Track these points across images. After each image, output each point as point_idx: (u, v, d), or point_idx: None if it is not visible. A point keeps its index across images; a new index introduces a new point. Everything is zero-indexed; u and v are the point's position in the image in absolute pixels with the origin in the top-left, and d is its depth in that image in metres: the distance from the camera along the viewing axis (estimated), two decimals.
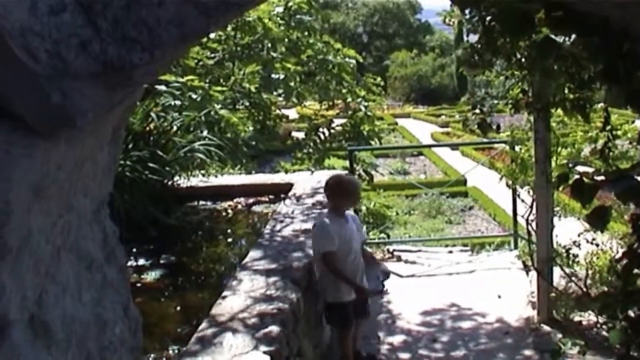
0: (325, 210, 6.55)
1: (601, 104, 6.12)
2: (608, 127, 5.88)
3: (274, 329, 4.60)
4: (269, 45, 13.41)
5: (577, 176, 2.97)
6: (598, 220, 2.93)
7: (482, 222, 17.67)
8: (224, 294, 5.22)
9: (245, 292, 5.23)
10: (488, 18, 5.21)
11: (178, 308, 5.74)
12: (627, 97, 2.98)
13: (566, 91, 5.77)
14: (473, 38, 5.61)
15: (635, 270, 3.11)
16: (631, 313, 3.20)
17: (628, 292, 3.16)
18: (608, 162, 6.13)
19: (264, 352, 4.31)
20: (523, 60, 5.69)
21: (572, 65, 4.98)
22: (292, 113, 18.59)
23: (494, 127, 6.30)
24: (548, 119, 6.65)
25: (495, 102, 6.42)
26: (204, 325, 4.69)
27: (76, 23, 2.23)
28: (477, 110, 6.20)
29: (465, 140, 25.14)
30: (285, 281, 5.43)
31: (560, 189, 7.61)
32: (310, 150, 13.39)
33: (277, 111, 14.44)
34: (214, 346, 4.37)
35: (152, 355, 4.88)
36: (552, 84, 5.81)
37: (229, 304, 5.02)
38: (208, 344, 4.40)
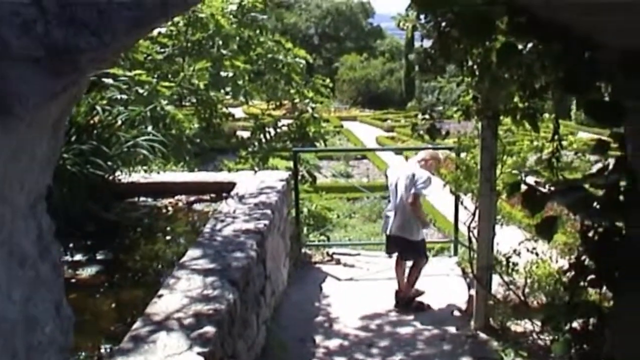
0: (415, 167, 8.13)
1: (550, 114, 6.21)
2: (556, 137, 5.96)
3: (209, 329, 4.57)
4: (220, 42, 13.34)
5: (526, 185, 3.02)
6: (546, 230, 2.95)
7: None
8: (160, 292, 5.17)
9: (182, 292, 5.19)
10: (443, 23, 5.25)
11: (113, 305, 5.66)
12: (586, 107, 2.89)
13: (516, 100, 5.83)
14: (426, 43, 5.66)
15: (582, 283, 3.16)
16: (576, 325, 3.24)
17: (574, 305, 3.20)
18: (554, 172, 6.22)
19: (198, 353, 4.28)
20: (475, 67, 5.74)
21: (524, 74, 5.03)
22: (239, 112, 18.55)
23: (443, 133, 6.35)
24: (496, 127, 6.73)
25: (445, 108, 6.45)
26: (138, 323, 4.64)
27: (19, 1, 2.11)
28: (427, 116, 6.23)
29: (410, 145, 25.30)
30: (223, 281, 5.40)
31: (504, 197, 7.77)
32: (255, 149, 13.37)
33: (224, 109, 14.35)
34: (147, 345, 4.33)
35: (84, 354, 4.81)
36: (502, 92, 5.86)
37: (164, 303, 4.98)
38: (142, 343, 4.35)
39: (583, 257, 3.09)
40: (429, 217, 8.57)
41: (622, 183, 2.82)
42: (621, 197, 2.81)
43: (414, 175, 7.96)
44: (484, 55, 5.31)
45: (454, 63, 5.70)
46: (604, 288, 3.04)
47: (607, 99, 3.00)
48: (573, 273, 3.16)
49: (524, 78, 5.15)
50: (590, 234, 2.97)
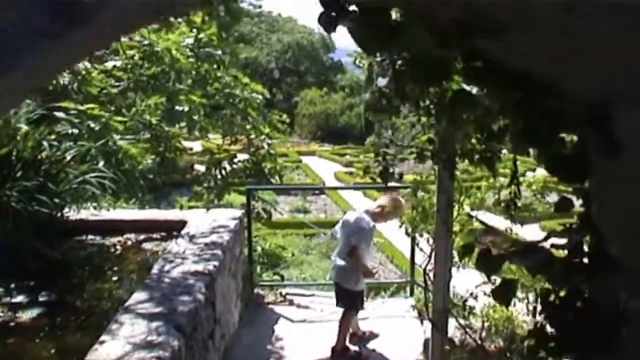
0: (364, 214, 7.94)
1: (508, 155, 6.12)
2: (515, 181, 5.89)
3: None
4: (175, 76, 13.21)
5: (479, 243, 2.88)
6: (504, 295, 2.80)
7: (379, 265, 17.68)
8: (102, 338, 4.97)
9: (125, 337, 5.00)
10: (399, 62, 5.16)
11: (53, 351, 5.43)
12: (547, 161, 2.75)
13: (473, 141, 5.74)
14: (382, 81, 5.57)
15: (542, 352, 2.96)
16: None
17: None
18: (512, 217, 6.14)
19: None
20: (431, 106, 5.66)
21: (482, 116, 4.94)
22: (198, 145, 18.38)
23: (397, 176, 6.24)
24: (452, 169, 6.61)
25: (400, 149, 6.34)
26: None
27: None
28: (380, 158, 6.13)
29: (368, 181, 25.18)
30: (169, 327, 5.21)
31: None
32: (211, 184, 13.21)
33: (179, 143, 14.19)
34: None
35: None
36: (459, 133, 5.76)
37: (105, 350, 4.78)
38: None
39: (543, 323, 2.90)
40: (374, 269, 8.38)
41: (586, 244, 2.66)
42: (585, 260, 2.65)
43: (356, 224, 7.83)
44: (440, 96, 5.23)
45: (410, 103, 5.61)
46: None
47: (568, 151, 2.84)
48: (532, 341, 2.96)
49: (481, 120, 5.07)
50: (551, 298, 2.76)
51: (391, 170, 5.96)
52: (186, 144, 17.60)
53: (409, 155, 6.35)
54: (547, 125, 2.76)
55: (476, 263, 2.75)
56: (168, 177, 15.22)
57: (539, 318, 2.88)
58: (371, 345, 8.13)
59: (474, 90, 3.90)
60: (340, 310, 8.06)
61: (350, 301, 7.97)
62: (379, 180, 6.00)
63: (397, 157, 6.18)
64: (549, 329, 2.80)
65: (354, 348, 8.08)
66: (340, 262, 7.83)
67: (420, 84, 4.75)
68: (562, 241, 2.72)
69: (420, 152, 6.13)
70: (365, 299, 8.37)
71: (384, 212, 7.98)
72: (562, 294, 2.73)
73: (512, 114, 3.14)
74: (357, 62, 6.85)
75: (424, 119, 6.07)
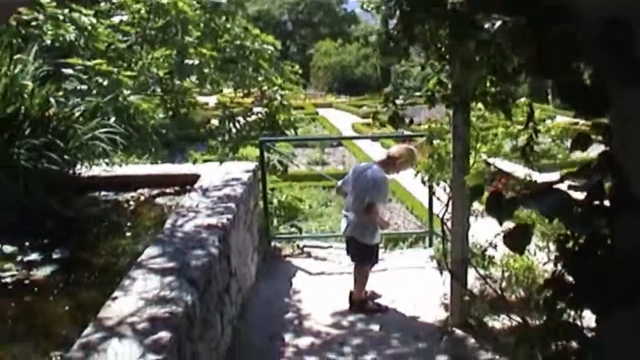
0: (376, 166, 7.75)
1: (524, 99, 5.94)
2: (531, 124, 5.71)
3: (164, 335, 4.29)
4: (183, 29, 13.06)
5: (491, 186, 2.68)
6: (517, 242, 2.52)
7: (399, 216, 17.58)
8: (115, 294, 4.88)
9: (138, 293, 4.89)
10: (405, 2, 4.97)
11: (67, 308, 5.36)
12: (562, 93, 2.43)
13: (487, 84, 5.55)
14: (389, 23, 5.40)
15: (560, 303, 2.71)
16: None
17: (551, 327, 2.78)
18: (529, 161, 5.96)
19: None
20: (442, 49, 5.47)
21: (495, 56, 4.76)
22: (214, 100, 18.21)
23: (407, 120, 6.06)
24: (467, 114, 6.40)
25: (409, 93, 6.14)
26: (89, 329, 4.34)
27: None
28: (389, 103, 5.95)
29: (385, 132, 24.98)
30: (181, 281, 5.11)
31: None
32: (226, 138, 13.12)
33: (193, 98, 14.05)
34: (97, 354, 4.03)
35: None
36: (473, 76, 5.57)
37: (118, 307, 4.69)
38: (92, 351, 4.06)
39: (561, 272, 2.62)
40: (388, 219, 8.17)
41: (608, 184, 2.39)
42: (606, 202, 2.38)
43: (370, 179, 7.58)
44: (450, 37, 5.05)
45: (418, 45, 5.43)
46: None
47: (587, 82, 2.56)
48: (550, 291, 2.72)
49: (495, 60, 4.89)
50: (569, 245, 2.49)
51: (401, 116, 5.78)
52: (202, 99, 17.49)
53: (419, 100, 6.15)
54: (559, 52, 2.46)
55: (486, 207, 2.51)
56: (183, 132, 15.09)
57: (557, 267, 2.66)
58: (390, 297, 8.00)
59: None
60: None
61: (366, 255, 7.84)
62: (389, 127, 5.84)
63: (406, 101, 5.99)
64: (567, 278, 2.55)
65: (374, 301, 7.97)
66: (356, 217, 7.64)
67: (430, 22, 4.57)
68: (581, 182, 2.46)
69: (431, 95, 5.93)
70: (381, 251, 8.25)
71: (397, 163, 7.75)
72: (581, 240, 2.47)
73: (522, 43, 2.81)
74: (364, 5, 6.66)
75: (435, 63, 5.90)
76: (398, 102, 5.92)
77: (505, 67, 4.79)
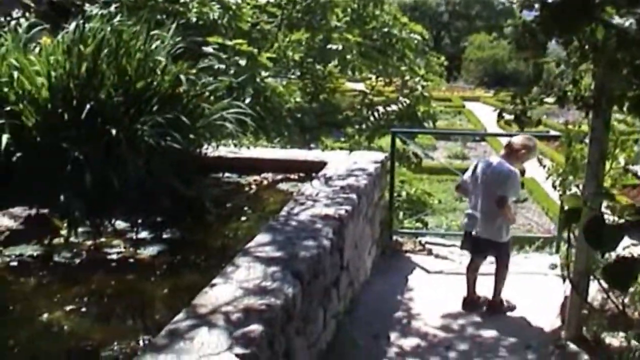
0: (501, 159, 7.51)
1: None
2: None
3: (256, 328, 4.10)
4: (329, 13, 12.92)
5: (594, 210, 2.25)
6: (621, 277, 2.11)
7: (533, 215, 16.98)
8: (214, 281, 4.74)
9: (238, 282, 4.74)
10: None
11: (166, 290, 5.28)
12: None
13: (627, 86, 5.10)
14: (527, 14, 5.08)
15: None
16: None
17: None
18: None
19: (237, 355, 3.83)
20: (585, 46, 5.05)
21: (637, 56, 4.36)
22: (361, 87, 18.08)
23: (534, 120, 5.64)
24: (608, 117, 5.92)
25: (540, 91, 5.67)
26: (180, 316, 4.21)
27: None
28: (518, 100, 5.54)
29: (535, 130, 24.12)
30: (286, 273, 4.92)
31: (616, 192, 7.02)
32: (363, 126, 12.94)
33: (333, 83, 13.90)
34: (182, 342, 3.89)
35: (117, 346, 4.43)
36: (616, 77, 5.12)
37: (215, 294, 4.54)
38: (177, 339, 3.92)
39: None
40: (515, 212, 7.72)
41: None
42: None
43: (499, 173, 7.26)
44: (590, 33, 4.64)
45: (558, 40, 5.02)
46: None
47: None
48: None
49: (637, 60, 4.47)
50: None
51: (529, 114, 5.37)
52: (351, 85, 17.34)
53: (546, 98, 5.71)
54: None
55: (585, 233, 2.11)
56: (323, 118, 14.96)
57: None
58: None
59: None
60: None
61: (505, 253, 7.56)
62: (514, 125, 5.45)
63: (534, 100, 5.55)
64: None
65: (507, 301, 7.62)
66: (488, 216, 7.30)
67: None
68: None
69: (563, 95, 5.47)
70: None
71: (519, 154, 7.43)
72: None
73: None
74: None
75: (575, 61, 5.46)
76: (526, 99, 5.51)
77: None
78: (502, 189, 7.16)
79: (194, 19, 10.51)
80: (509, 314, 7.50)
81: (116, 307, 5.12)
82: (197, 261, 5.95)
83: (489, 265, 7.76)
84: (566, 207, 2.31)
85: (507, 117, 5.67)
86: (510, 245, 7.75)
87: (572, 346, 6.53)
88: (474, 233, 7.47)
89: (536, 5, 4.86)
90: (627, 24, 3.21)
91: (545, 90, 5.61)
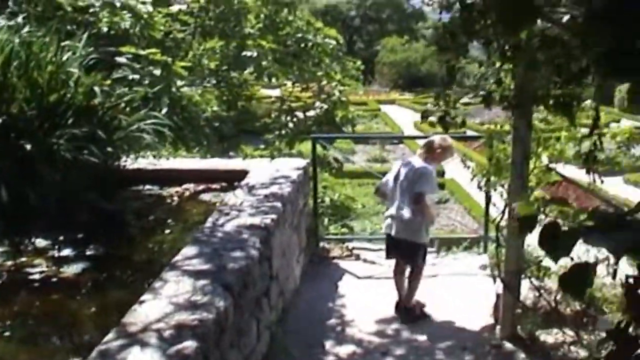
0: (417, 158, 7.57)
1: (589, 101, 5.52)
2: (597, 130, 5.33)
3: (189, 344, 3.98)
4: (243, 20, 12.81)
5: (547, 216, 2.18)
6: (575, 284, 2.04)
7: (456, 216, 17.11)
8: (143, 297, 4.59)
9: (168, 297, 4.60)
10: None
11: (93, 309, 5.09)
12: None
13: (550, 86, 5.15)
14: (447, 16, 5.09)
15: None
16: None
17: None
18: (593, 170, 5.57)
19: None
20: (505, 47, 5.07)
21: (560, 55, 4.38)
22: (278, 93, 17.99)
23: (458, 121, 5.66)
24: (530, 116, 5.96)
25: (463, 92, 5.70)
26: (110, 335, 4.05)
27: None
28: (441, 102, 5.55)
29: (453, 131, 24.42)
30: (215, 285, 4.80)
31: (537, 192, 7.08)
32: (283, 132, 12.85)
33: (249, 91, 13.79)
34: None
35: None
36: (538, 77, 5.16)
37: (145, 311, 4.39)
38: None
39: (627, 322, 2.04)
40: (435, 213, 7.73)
41: None
42: None
43: (415, 171, 7.29)
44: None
45: (479, 41, 5.03)
46: None
47: None
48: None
49: (560, 60, 4.50)
50: None
51: (453, 116, 5.38)
52: (266, 92, 17.21)
53: (471, 100, 5.73)
54: None
55: (539, 241, 2.04)
56: (240, 126, 14.82)
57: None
58: (439, 305, 7.62)
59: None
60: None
61: (419, 255, 7.50)
62: (438, 127, 5.46)
63: (457, 101, 5.57)
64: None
65: (421, 307, 7.59)
66: (406, 215, 7.26)
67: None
68: None
69: (488, 96, 5.50)
70: (433, 255, 7.93)
71: (435, 153, 7.48)
72: None
73: (600, 37, 2.19)
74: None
75: (497, 62, 5.50)
76: (449, 101, 5.52)
77: (571, 68, 4.39)
78: (418, 186, 7.18)
79: (105, 29, 10.26)
80: (444, 316, 7.48)
81: (43, 328, 4.91)
82: (124, 277, 5.79)
83: (427, 267, 7.77)
84: (519, 215, 2.23)
85: (432, 118, 5.66)
86: (425, 250, 7.67)
87: (508, 345, 6.58)
88: (392, 234, 7.46)
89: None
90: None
91: (468, 91, 5.63)
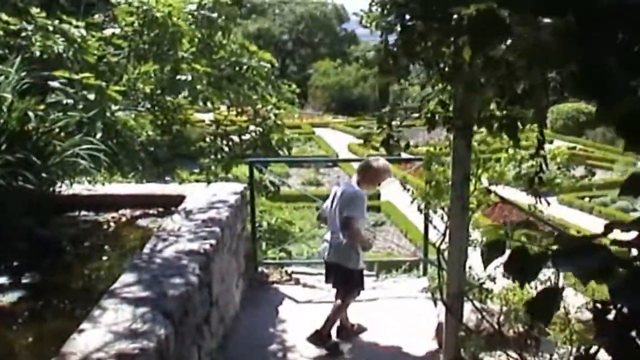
0: (352, 181, 7.61)
1: (530, 124, 5.60)
2: (541, 152, 5.41)
3: None
4: (177, 43, 12.75)
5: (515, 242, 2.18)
6: (543, 309, 2.01)
7: (393, 238, 17.25)
8: (82, 326, 4.51)
9: (107, 326, 4.53)
10: (407, 16, 4.67)
11: (30, 339, 4.98)
12: (620, 123, 1.79)
13: (493, 107, 5.21)
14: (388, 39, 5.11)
15: None
16: None
17: None
18: (536, 191, 5.64)
19: None
20: (446, 68, 5.13)
21: (504, 77, 4.44)
22: (210, 117, 17.94)
23: (402, 145, 5.69)
24: (470, 138, 6.00)
25: (406, 114, 5.73)
26: None
27: None
28: (384, 125, 5.58)
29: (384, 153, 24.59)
30: (155, 313, 4.74)
31: (477, 214, 7.15)
32: (219, 156, 12.82)
33: (182, 115, 13.72)
34: None
35: None
36: (478, 98, 5.21)
37: (84, 340, 4.32)
38: None
39: (594, 348, 2.08)
40: (370, 238, 7.74)
41: None
42: None
43: (345, 195, 7.36)
44: (454, 54, 4.72)
45: (420, 63, 5.09)
46: None
47: None
48: None
49: (504, 81, 4.56)
50: (609, 317, 1.93)
51: (396, 138, 5.41)
52: (200, 116, 17.13)
53: (416, 122, 5.77)
54: (622, 70, 1.83)
55: (506, 266, 2.06)
56: (175, 150, 14.70)
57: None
58: (379, 329, 7.63)
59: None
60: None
61: (352, 282, 7.48)
62: (382, 150, 5.49)
63: (402, 123, 5.62)
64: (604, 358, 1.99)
65: (335, 340, 7.55)
66: (338, 239, 7.31)
67: (434, 38, 4.23)
68: (631, 236, 1.91)
69: (431, 117, 5.55)
70: (372, 279, 7.92)
71: (366, 177, 7.51)
72: (626, 312, 1.91)
73: (566, 53, 2.10)
74: (364, 21, 6.31)
75: (438, 84, 5.55)
76: (394, 123, 5.55)
77: (515, 89, 4.47)
78: (347, 210, 7.20)
79: (38, 53, 10.13)
80: (385, 340, 7.48)
81: None
82: (61, 305, 5.66)
83: (366, 290, 7.78)
84: (485, 240, 2.25)
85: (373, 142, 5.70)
86: (362, 276, 7.63)
87: None
88: (326, 259, 7.48)
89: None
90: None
91: (412, 113, 5.67)
